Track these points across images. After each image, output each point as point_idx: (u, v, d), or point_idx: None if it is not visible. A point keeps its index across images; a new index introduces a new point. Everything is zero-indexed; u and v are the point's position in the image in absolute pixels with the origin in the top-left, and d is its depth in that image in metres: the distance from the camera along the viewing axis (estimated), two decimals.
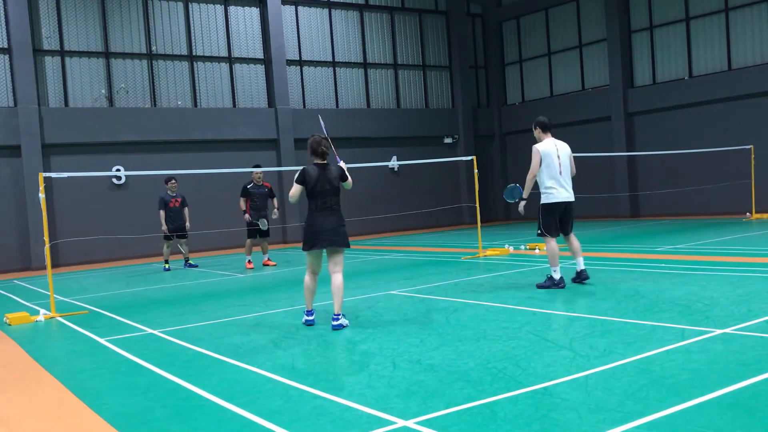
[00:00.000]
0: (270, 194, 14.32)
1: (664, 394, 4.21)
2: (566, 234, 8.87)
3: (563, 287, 8.54)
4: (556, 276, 8.58)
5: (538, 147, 8.70)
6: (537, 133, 8.91)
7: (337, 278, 7.17)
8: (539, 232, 8.76)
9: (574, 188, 8.86)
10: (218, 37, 21.62)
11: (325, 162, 7.20)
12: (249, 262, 14.27)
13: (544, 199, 8.72)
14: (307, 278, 7.33)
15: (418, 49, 25.70)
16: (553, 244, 8.65)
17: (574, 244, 8.86)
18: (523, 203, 9.09)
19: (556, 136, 9.05)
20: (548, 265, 8.93)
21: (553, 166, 8.63)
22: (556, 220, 8.71)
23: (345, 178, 7.27)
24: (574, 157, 8.94)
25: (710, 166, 20.74)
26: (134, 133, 19.76)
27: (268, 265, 14.50)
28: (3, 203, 18.15)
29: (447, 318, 7.22)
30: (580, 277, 8.84)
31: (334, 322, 7.03)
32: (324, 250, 7.31)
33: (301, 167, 7.34)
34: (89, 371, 6.05)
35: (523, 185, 9.20)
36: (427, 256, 14.65)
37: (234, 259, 16.90)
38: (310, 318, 7.34)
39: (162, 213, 14.70)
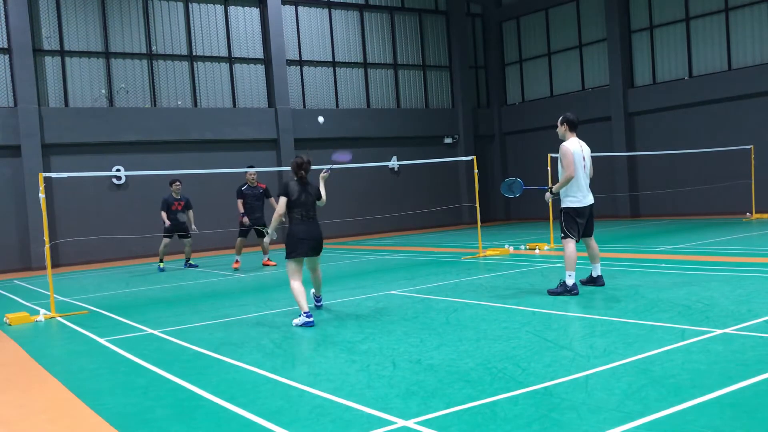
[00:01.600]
0: (266, 194, 14.23)
1: (664, 394, 4.21)
2: (589, 236, 8.50)
3: (576, 294, 8.05)
4: (570, 282, 8.07)
5: (568, 146, 8.18)
6: (563, 130, 8.38)
7: (318, 272, 8.18)
8: (562, 235, 8.23)
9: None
10: (218, 37, 21.61)
11: (306, 181, 7.83)
12: (236, 261, 14.10)
13: (569, 203, 8.25)
14: (295, 284, 7.53)
15: (418, 49, 25.70)
16: (572, 247, 8.16)
17: (594, 249, 8.52)
18: (550, 195, 8.53)
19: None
20: (548, 266, 8.92)
21: (580, 168, 8.19)
22: (580, 224, 8.27)
23: (320, 197, 7.91)
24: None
25: (710, 166, 20.74)
26: (134, 133, 19.75)
27: (268, 265, 14.49)
28: (3, 203, 18.15)
29: (447, 318, 7.21)
30: (596, 283, 8.56)
31: (318, 303, 8.35)
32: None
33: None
34: (89, 371, 6.05)
35: (523, 182, 9.11)
36: (427, 256, 14.65)
37: (234, 259, 16.88)
38: (310, 320, 7.33)
39: (164, 214, 14.67)
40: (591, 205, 8.41)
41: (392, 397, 4.56)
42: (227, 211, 20.16)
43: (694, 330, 5.90)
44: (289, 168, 8.19)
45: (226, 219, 20.00)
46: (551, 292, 8.19)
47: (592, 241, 8.57)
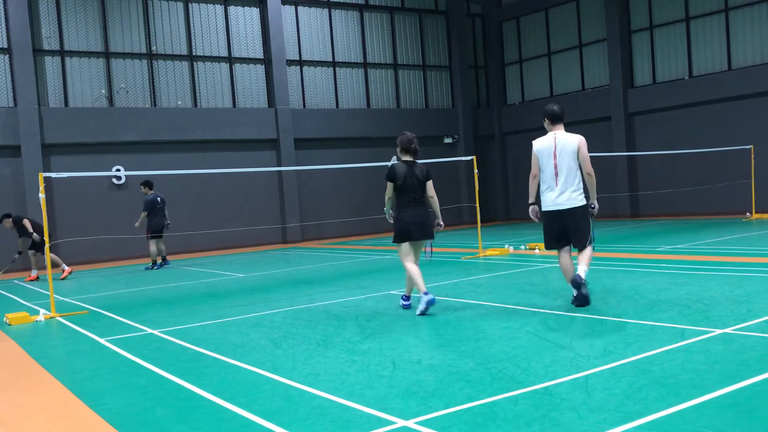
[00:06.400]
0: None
1: (664, 394, 4.21)
2: (578, 248, 7.41)
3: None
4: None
5: (534, 144, 7.38)
6: (546, 124, 7.46)
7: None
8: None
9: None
10: (218, 37, 21.61)
11: (413, 162, 7.61)
12: (35, 274, 15.13)
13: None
14: (410, 266, 7.57)
15: (418, 49, 25.69)
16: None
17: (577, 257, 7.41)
18: (531, 207, 7.52)
19: None
20: (548, 266, 8.89)
21: (549, 166, 7.25)
22: (552, 232, 7.36)
23: (429, 177, 7.67)
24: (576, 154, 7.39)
25: (710, 166, 20.73)
26: (134, 133, 19.75)
27: (31, 280, 15.01)
28: (3, 203, 18.11)
29: (447, 318, 7.21)
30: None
31: (429, 296, 7.28)
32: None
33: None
34: (89, 371, 6.04)
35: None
36: None
37: (234, 260, 16.91)
38: (429, 296, 7.24)
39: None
40: (562, 211, 7.24)
41: (392, 397, 4.56)
42: (227, 211, 20.20)
43: (694, 330, 5.90)
44: (288, 168, 8.20)
45: (225, 219, 20.02)
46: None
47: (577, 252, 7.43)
